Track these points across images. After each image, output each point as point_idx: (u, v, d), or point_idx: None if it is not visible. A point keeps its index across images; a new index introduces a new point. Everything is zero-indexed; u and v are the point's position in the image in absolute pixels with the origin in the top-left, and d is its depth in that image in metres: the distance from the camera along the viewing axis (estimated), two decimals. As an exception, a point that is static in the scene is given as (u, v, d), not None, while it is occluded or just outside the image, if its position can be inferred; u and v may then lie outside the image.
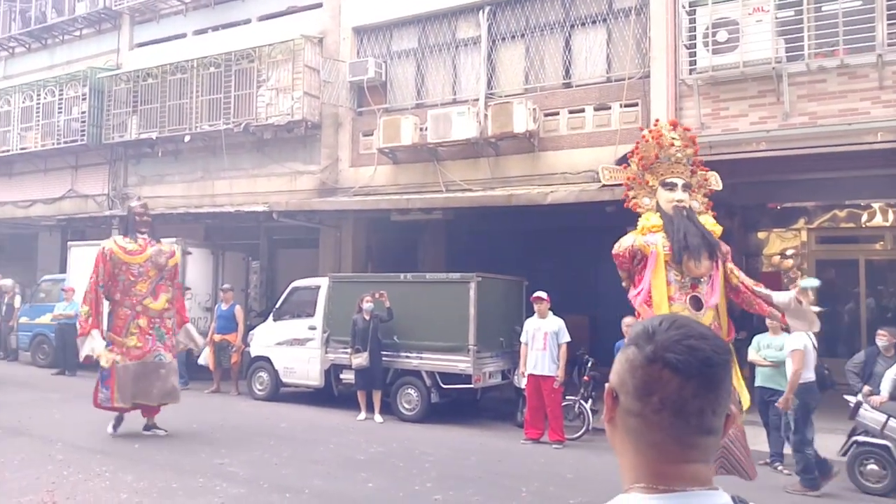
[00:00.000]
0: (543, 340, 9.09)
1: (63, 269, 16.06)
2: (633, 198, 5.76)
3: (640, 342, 1.12)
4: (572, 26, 11.89)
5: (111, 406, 8.64)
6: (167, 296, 9.00)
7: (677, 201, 5.36)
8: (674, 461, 1.09)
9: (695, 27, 9.89)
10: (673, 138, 5.60)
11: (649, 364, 1.09)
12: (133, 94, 16.15)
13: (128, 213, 9.31)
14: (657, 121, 6.01)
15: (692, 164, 5.62)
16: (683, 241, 5.19)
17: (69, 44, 18.69)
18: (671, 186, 5.44)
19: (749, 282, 5.55)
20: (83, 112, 16.82)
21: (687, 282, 5.28)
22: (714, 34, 9.65)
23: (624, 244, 5.52)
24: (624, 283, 5.69)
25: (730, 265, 5.50)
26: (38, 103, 17.78)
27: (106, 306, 8.96)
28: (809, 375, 7.26)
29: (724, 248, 5.46)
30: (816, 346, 7.36)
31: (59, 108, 17.34)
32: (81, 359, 9.07)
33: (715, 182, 5.72)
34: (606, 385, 1.18)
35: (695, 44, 9.91)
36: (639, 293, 5.40)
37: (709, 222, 5.45)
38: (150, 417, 8.92)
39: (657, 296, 5.27)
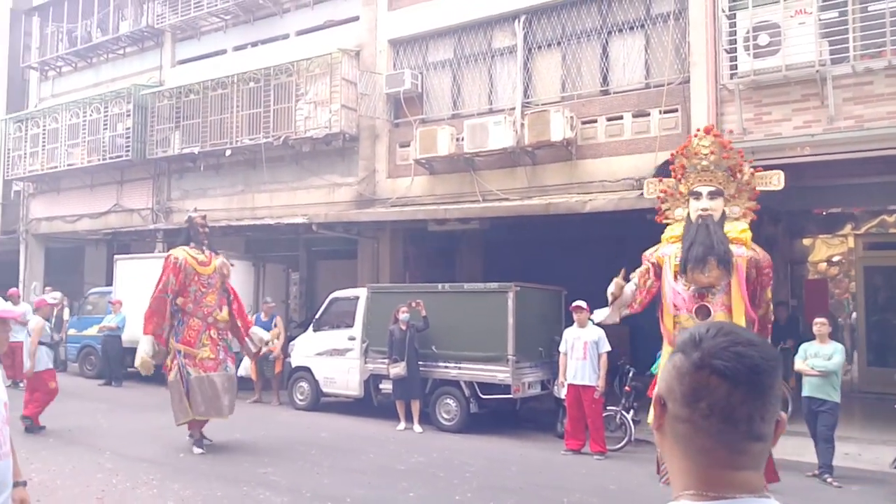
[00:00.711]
0: (583, 350, 9.05)
1: (109, 282, 16.49)
2: (667, 210, 5.86)
3: (686, 349, 1.13)
4: (609, 33, 11.86)
5: (191, 420, 8.57)
6: (227, 308, 9.05)
7: (701, 210, 5.41)
8: (723, 467, 1.09)
9: (735, 31, 9.80)
10: (701, 146, 5.63)
11: (697, 371, 1.10)
12: (175, 109, 16.61)
13: (189, 223, 9.27)
14: (698, 130, 6.01)
15: (731, 169, 5.59)
16: (688, 252, 5.30)
17: (114, 62, 19.31)
18: (697, 195, 5.53)
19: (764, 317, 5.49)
20: (128, 128, 17.34)
21: (694, 291, 5.36)
22: (755, 38, 9.54)
23: (648, 252, 5.76)
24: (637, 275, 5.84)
25: (769, 291, 5.44)
26: (85, 120, 18.38)
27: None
28: None
29: (759, 255, 5.37)
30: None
31: (105, 125, 17.90)
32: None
33: (776, 181, 5.71)
34: (654, 392, 1.19)
35: (735, 48, 9.81)
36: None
37: (737, 229, 5.44)
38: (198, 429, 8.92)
39: (665, 307, 5.44)
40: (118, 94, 17.81)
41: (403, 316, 10.44)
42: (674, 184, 5.78)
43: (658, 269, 5.57)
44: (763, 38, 9.50)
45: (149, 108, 17.19)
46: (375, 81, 14.01)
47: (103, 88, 18.76)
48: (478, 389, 10.30)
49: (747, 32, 9.61)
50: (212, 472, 7.63)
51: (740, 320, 5.24)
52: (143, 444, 8.96)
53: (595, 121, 11.72)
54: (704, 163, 5.58)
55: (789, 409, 9.26)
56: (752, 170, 5.78)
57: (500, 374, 10.05)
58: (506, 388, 10.01)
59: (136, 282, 14.45)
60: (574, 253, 12.86)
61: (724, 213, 5.48)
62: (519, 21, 12.55)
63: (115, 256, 16.19)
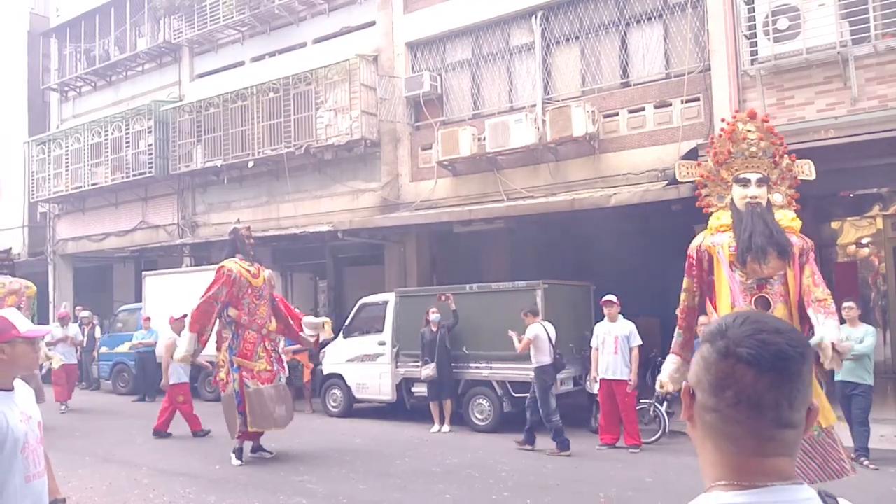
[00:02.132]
0: (615, 344, 9.33)
1: (138, 299, 16.99)
2: (707, 195, 5.69)
3: (713, 339, 1.18)
4: (627, 24, 12.15)
5: (247, 432, 8.77)
6: (274, 318, 9.23)
7: (750, 198, 5.24)
8: (753, 455, 1.13)
9: (754, 16, 10.04)
10: (748, 131, 5.49)
11: (723, 359, 1.14)
12: (196, 124, 17.16)
13: (235, 235, 9.38)
14: (736, 111, 5.92)
15: (774, 155, 5.48)
16: (748, 242, 5.09)
17: (132, 79, 19.98)
18: (744, 182, 5.35)
19: (813, 293, 5.20)
20: (150, 145, 17.91)
21: (752, 283, 5.17)
22: (774, 22, 9.78)
23: (694, 244, 5.47)
24: (683, 297, 5.50)
25: (809, 268, 5.24)
26: (107, 139, 19.04)
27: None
28: (545, 359, 9.31)
29: (805, 243, 5.25)
30: (552, 335, 9.45)
31: (127, 143, 18.51)
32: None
33: (808, 171, 5.52)
34: (684, 384, 1.25)
35: (755, 33, 10.05)
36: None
37: (787, 217, 5.32)
38: (256, 440, 9.16)
39: (721, 299, 5.22)
40: (139, 111, 18.41)
41: (434, 317, 10.78)
42: (714, 168, 5.66)
43: (709, 259, 5.39)
44: (783, 22, 9.74)
45: (170, 123, 17.76)
46: (394, 85, 14.42)
47: (124, 106, 19.40)
48: (510, 388, 10.60)
49: (766, 17, 9.84)
50: (248, 482, 7.84)
51: (795, 310, 5.16)
52: (179, 457, 9.22)
53: (617, 114, 12.01)
54: (753, 148, 5.46)
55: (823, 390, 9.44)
56: (792, 156, 5.60)
57: (531, 372, 10.33)
58: (538, 387, 10.30)
59: (165, 297, 14.81)
60: (601, 247, 13.13)
61: (769, 201, 5.35)
62: (536, 17, 12.89)
63: (143, 273, 16.64)
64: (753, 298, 5.08)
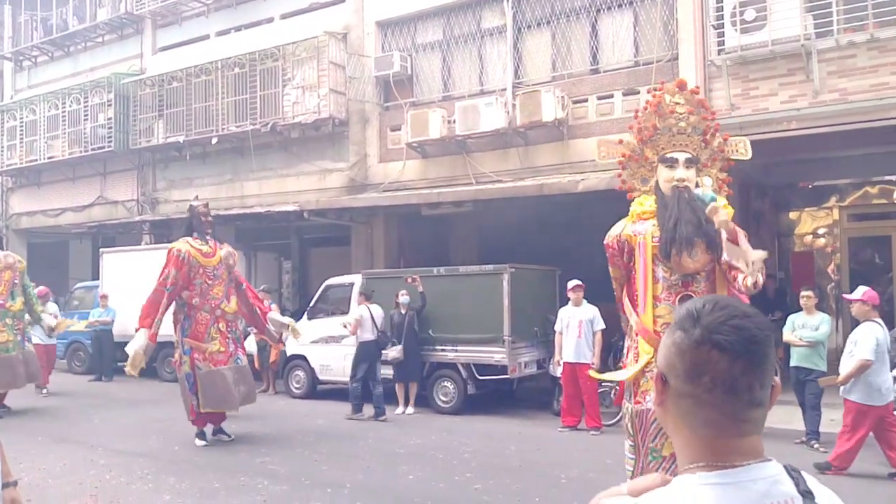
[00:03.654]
0: (578, 328, 9.72)
1: (95, 277, 16.94)
2: (626, 177, 5.16)
3: (686, 326, 1.21)
4: (598, 11, 12.45)
5: (200, 413, 8.77)
6: (235, 298, 9.23)
7: (677, 180, 4.70)
8: (729, 436, 1.19)
9: (722, 6, 10.39)
10: (676, 103, 4.94)
11: (698, 346, 1.18)
12: (158, 98, 17.08)
13: (191, 213, 9.39)
14: (661, 83, 5.25)
15: (705, 133, 4.95)
16: (672, 232, 4.57)
17: (92, 50, 19.72)
18: (671, 163, 4.79)
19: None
20: (109, 118, 17.79)
21: (677, 280, 4.66)
22: (742, 13, 10.14)
23: (612, 233, 4.97)
24: (615, 287, 5.12)
25: None
26: (64, 111, 18.84)
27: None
28: (368, 336, 10.70)
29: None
30: (378, 317, 10.78)
31: (85, 116, 18.37)
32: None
33: (743, 149, 5.04)
34: (655, 370, 1.29)
35: (722, 24, 10.42)
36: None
37: (719, 204, 4.62)
38: (217, 423, 9.15)
39: (643, 296, 4.72)
40: (98, 84, 18.26)
41: (403, 299, 11.03)
42: (637, 146, 5.05)
43: (630, 250, 4.83)
44: (749, 14, 10.11)
45: (130, 97, 17.66)
46: (364, 64, 14.55)
47: (82, 78, 19.20)
48: (475, 371, 10.93)
49: (734, 8, 10.21)
50: (208, 463, 7.89)
51: None
52: (137, 438, 9.20)
53: (586, 100, 12.34)
54: (682, 124, 4.89)
55: (778, 378, 9.95)
56: (725, 135, 5.15)
57: (496, 354, 10.69)
58: (502, 369, 10.66)
59: (123, 275, 14.93)
60: (568, 233, 13.49)
61: (696, 184, 4.82)
62: (508, 0, 13.12)
63: (101, 250, 16.58)
64: (677, 297, 4.59)
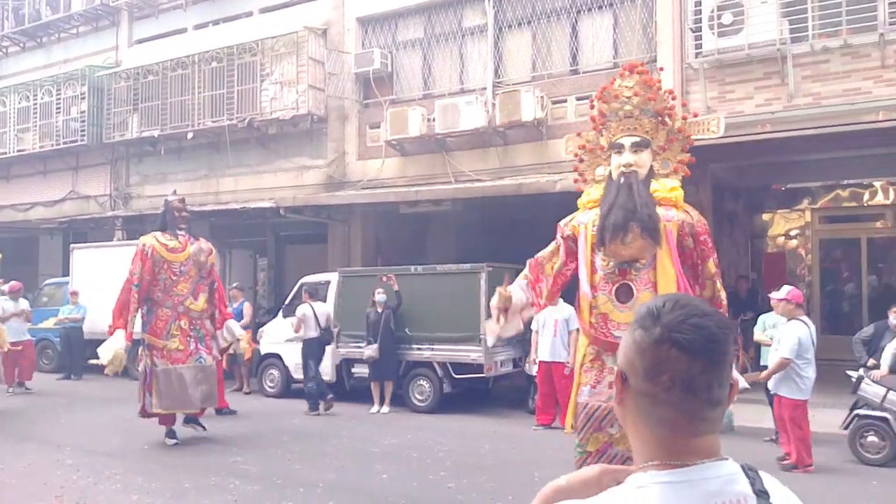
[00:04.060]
0: (554, 328, 9.86)
1: (65, 273, 16.73)
2: (585, 170, 5.01)
3: (646, 324, 1.21)
4: (579, 12, 12.62)
5: (152, 413, 8.67)
6: (205, 296, 9.05)
7: (623, 166, 4.57)
8: (686, 436, 1.19)
9: (700, 10, 10.60)
10: (624, 87, 4.76)
11: (657, 345, 1.19)
12: (133, 91, 16.94)
13: (165, 207, 9.25)
14: (624, 67, 4.98)
15: (660, 115, 4.76)
16: (605, 217, 4.46)
17: (66, 42, 19.52)
18: (618, 148, 4.66)
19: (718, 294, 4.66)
20: (82, 111, 17.63)
21: (614, 268, 4.52)
22: (719, 17, 10.35)
23: (561, 224, 4.92)
24: (541, 253, 5.12)
25: (711, 263, 4.62)
26: (35, 104, 18.63)
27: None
28: (311, 334, 11.02)
29: (691, 218, 4.57)
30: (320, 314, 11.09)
31: (58, 108, 18.16)
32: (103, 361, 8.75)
33: (716, 127, 4.90)
34: (616, 368, 1.28)
35: (700, 27, 10.62)
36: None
37: (665, 186, 4.61)
38: (170, 423, 8.98)
39: (582, 285, 4.61)
40: (71, 76, 18.09)
41: (379, 297, 11.07)
42: (594, 137, 4.92)
43: (574, 242, 4.76)
44: (727, 17, 10.32)
45: (105, 90, 17.53)
46: (343, 61, 14.58)
47: (55, 70, 18.98)
48: (451, 370, 11.00)
49: (712, 11, 10.41)
50: (179, 463, 7.84)
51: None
52: (106, 437, 9.09)
53: (565, 100, 12.50)
54: (627, 107, 4.69)
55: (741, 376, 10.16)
56: (685, 115, 4.97)
57: (472, 353, 10.77)
58: (478, 368, 10.74)
59: (94, 272, 14.71)
60: (546, 233, 13.59)
61: (651, 168, 4.66)
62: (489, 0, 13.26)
63: (72, 245, 16.40)
64: (615, 287, 4.47)
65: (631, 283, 4.46)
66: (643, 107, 4.69)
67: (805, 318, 7.64)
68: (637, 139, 4.63)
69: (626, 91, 4.72)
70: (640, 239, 4.37)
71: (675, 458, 1.18)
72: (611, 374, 4.29)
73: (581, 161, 5.02)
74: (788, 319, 7.61)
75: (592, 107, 5.00)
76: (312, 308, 11.15)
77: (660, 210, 4.48)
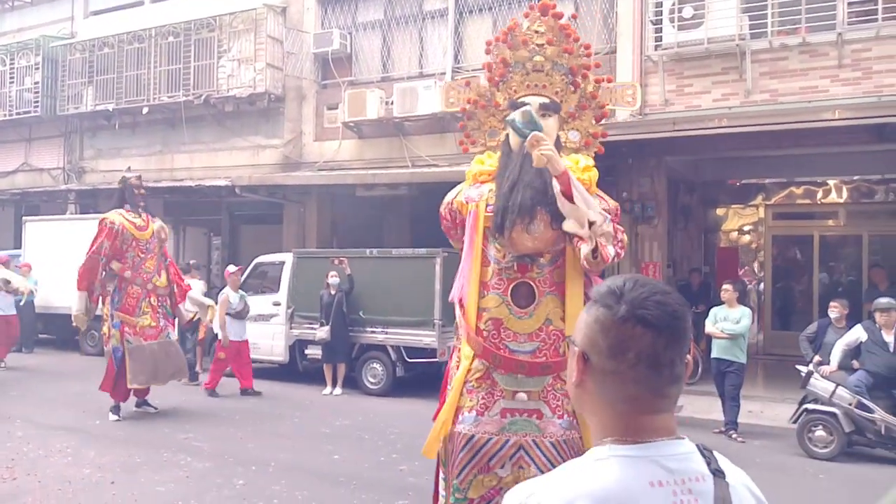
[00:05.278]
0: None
1: (17, 245, 16.00)
2: (473, 130, 3.90)
3: (609, 302, 1.19)
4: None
5: (125, 389, 8.48)
6: (165, 273, 8.94)
7: None
8: (648, 412, 1.17)
9: (661, 3, 10.23)
10: (534, 31, 3.68)
11: (623, 323, 1.16)
12: (88, 64, 16.09)
13: (123, 184, 9.00)
14: (531, 5, 3.85)
15: (573, 74, 3.68)
16: (507, 197, 3.37)
17: (20, 10, 18.49)
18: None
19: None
20: (36, 82, 16.71)
21: (511, 262, 3.42)
22: (680, 10, 10.01)
23: (445, 200, 3.80)
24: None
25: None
26: (-13, 73, 17.60)
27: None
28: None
29: (606, 204, 3.48)
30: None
31: (11, 79, 17.20)
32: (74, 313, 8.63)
33: (631, 97, 3.86)
34: (576, 349, 1.23)
35: (661, 20, 10.25)
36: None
37: (576, 164, 3.52)
38: (141, 395, 8.93)
39: (467, 281, 3.49)
40: (25, 46, 17.08)
41: (332, 280, 10.64)
42: (487, 91, 3.84)
43: (461, 221, 3.63)
44: (687, 11, 9.97)
45: (59, 61, 16.60)
46: (302, 40, 13.95)
47: (8, 39, 17.95)
48: (404, 353, 10.63)
49: (673, 4, 10.05)
50: (130, 438, 7.63)
51: (577, 306, 3.30)
52: (57, 411, 8.85)
53: (524, 88, 12.01)
54: (537, 58, 3.62)
55: (699, 370, 9.95)
56: (598, 78, 3.83)
57: (426, 338, 10.39)
58: (432, 352, 10.38)
59: (47, 245, 14.22)
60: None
61: (558, 138, 3.62)
62: (451, -16, 12.70)
63: (25, 218, 15.70)
64: (511, 286, 3.40)
65: (532, 284, 3.39)
66: (556, 60, 3.63)
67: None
68: (546, 101, 3.56)
69: (537, 38, 3.65)
70: (549, 229, 3.31)
71: (635, 436, 1.17)
72: (503, 397, 3.33)
73: (469, 118, 3.89)
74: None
75: (489, 51, 3.84)
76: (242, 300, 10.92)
77: None
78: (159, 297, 8.81)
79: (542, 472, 3.05)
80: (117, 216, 8.62)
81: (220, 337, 10.58)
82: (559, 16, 3.71)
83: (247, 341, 10.87)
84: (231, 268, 11.17)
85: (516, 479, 3.13)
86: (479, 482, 3.30)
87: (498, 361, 3.34)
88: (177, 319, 9.38)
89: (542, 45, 3.64)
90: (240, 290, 10.99)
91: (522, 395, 3.34)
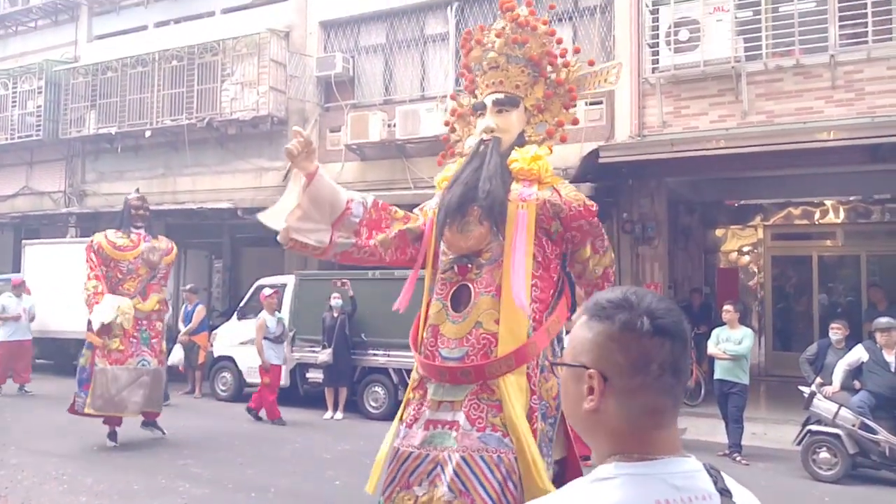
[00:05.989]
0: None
1: (17, 269, 15.95)
2: (456, 142, 3.87)
3: (621, 317, 1.16)
4: (539, 24, 12.31)
5: (83, 413, 8.19)
6: (159, 296, 8.58)
7: (483, 132, 3.41)
8: (664, 426, 1.16)
9: (658, 26, 10.40)
10: (491, 29, 3.59)
11: (644, 337, 1.14)
12: (91, 87, 16.24)
13: (124, 205, 8.83)
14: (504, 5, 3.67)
15: (536, 63, 3.52)
16: (441, 199, 3.34)
17: (23, 35, 18.69)
18: (481, 110, 3.50)
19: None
20: (39, 106, 16.83)
21: (451, 264, 3.29)
22: (676, 33, 10.16)
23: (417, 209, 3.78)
24: None
25: (587, 249, 3.38)
26: (-10, 97, 17.76)
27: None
28: None
29: (560, 199, 3.22)
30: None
31: (13, 102, 17.34)
32: (96, 327, 8.11)
33: (614, 78, 3.62)
34: (595, 372, 1.17)
35: (657, 43, 10.42)
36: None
37: (525, 156, 3.33)
38: (115, 424, 8.58)
39: (427, 286, 3.46)
40: (28, 70, 17.25)
41: (335, 302, 10.66)
42: (468, 101, 3.78)
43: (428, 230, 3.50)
44: (683, 34, 10.13)
45: (62, 85, 16.75)
46: (305, 64, 14.12)
47: (11, 63, 18.13)
48: (406, 376, 10.60)
49: (669, 28, 10.21)
50: (128, 464, 7.54)
51: (510, 310, 3.08)
52: (53, 438, 8.73)
53: (525, 111, 12.16)
54: (490, 54, 3.49)
55: (702, 391, 9.98)
56: (566, 62, 3.63)
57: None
58: (434, 375, 10.36)
59: (46, 269, 14.22)
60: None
61: (522, 134, 3.46)
62: (451, 8, 12.92)
63: (24, 242, 15.72)
64: (452, 290, 3.25)
65: (471, 286, 3.19)
66: (509, 52, 3.46)
67: None
68: (500, 96, 3.43)
69: (490, 34, 3.52)
70: (479, 225, 3.17)
71: (643, 452, 1.14)
72: (431, 408, 3.15)
73: (452, 131, 3.85)
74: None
75: (466, 46, 3.70)
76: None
77: (516, 187, 3.22)
78: (137, 320, 8.33)
79: (451, 491, 2.90)
80: (100, 236, 8.48)
81: (260, 361, 10.31)
82: (512, 8, 3.55)
83: (280, 367, 10.55)
84: (267, 290, 10.92)
85: (430, 499, 2.96)
86: (401, 500, 3.09)
87: (429, 371, 3.20)
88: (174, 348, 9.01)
89: (493, 39, 3.53)
90: (276, 313, 10.74)
91: (446, 405, 3.12)
